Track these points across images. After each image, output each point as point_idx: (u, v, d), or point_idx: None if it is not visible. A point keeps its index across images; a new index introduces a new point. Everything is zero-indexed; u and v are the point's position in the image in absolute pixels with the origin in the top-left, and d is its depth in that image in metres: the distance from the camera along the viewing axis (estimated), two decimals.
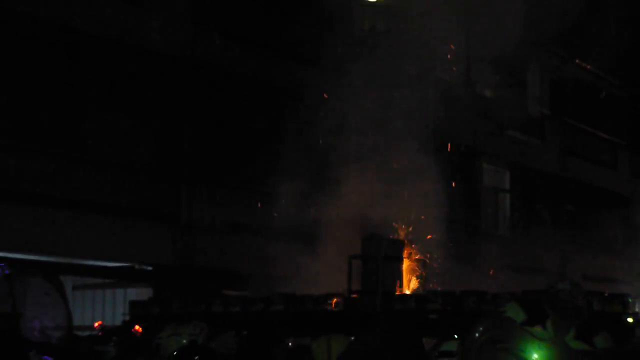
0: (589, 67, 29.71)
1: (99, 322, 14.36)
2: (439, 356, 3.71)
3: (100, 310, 17.87)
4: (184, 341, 5.72)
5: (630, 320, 10.26)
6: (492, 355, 2.29)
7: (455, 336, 5.82)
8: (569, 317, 2.30)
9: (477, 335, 2.37)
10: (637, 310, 15.12)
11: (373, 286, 11.27)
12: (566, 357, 2.20)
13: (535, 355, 2.20)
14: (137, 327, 11.64)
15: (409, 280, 12.49)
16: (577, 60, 29.12)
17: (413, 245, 13.20)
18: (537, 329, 2.26)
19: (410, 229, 14.52)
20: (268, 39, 19.52)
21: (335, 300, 9.78)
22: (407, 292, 11.32)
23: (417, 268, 13.28)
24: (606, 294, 11.24)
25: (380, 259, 12.06)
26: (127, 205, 16.85)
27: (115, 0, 16.96)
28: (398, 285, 11.78)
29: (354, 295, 10.68)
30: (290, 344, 5.46)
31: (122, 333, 9.05)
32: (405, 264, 12.68)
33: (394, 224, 14.29)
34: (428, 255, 13.31)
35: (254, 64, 19.20)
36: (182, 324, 6.25)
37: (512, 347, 2.25)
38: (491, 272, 20.45)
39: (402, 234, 13.84)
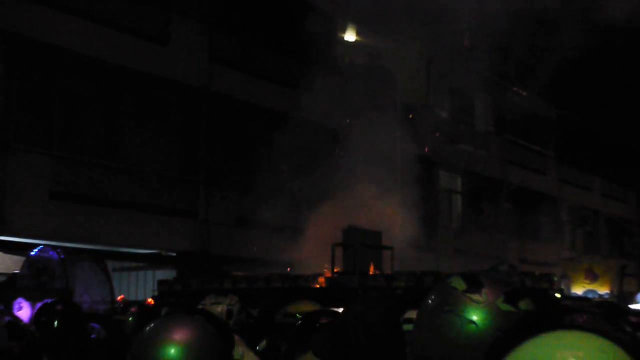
0: (524, 93, 29.79)
1: (121, 296, 14.26)
2: (403, 322, 3.64)
3: (135, 288, 17.81)
4: (224, 308, 5.67)
5: (557, 295, 10.31)
6: (440, 317, 2.30)
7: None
8: (499, 286, 2.31)
9: (430, 302, 2.39)
10: (562, 287, 15.11)
11: (351, 268, 11.24)
12: (496, 316, 2.19)
13: (474, 316, 2.21)
14: (149, 300, 11.58)
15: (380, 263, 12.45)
16: (514, 89, 29.21)
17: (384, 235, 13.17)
18: (475, 296, 2.28)
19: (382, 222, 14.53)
20: (269, 73, 19.48)
21: (321, 279, 9.76)
22: (378, 272, 11.26)
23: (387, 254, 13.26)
24: (536, 274, 11.29)
25: (357, 246, 12.02)
26: (156, 204, 16.81)
27: (149, 42, 16.91)
28: (372, 267, 11.75)
29: (336, 275, 10.66)
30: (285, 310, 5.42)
31: (140, 305, 8.96)
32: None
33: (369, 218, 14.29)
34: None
35: (257, 92, 19.16)
36: (221, 295, 6.18)
37: (455, 309, 2.26)
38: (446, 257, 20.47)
39: (375, 227, 13.82)
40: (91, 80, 16.41)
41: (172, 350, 2.34)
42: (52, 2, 15.16)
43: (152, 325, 2.47)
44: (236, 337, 3.92)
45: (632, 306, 15.06)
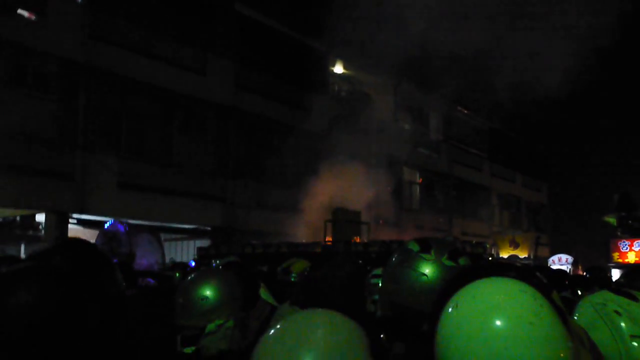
0: (465, 111, 29.89)
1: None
2: (371, 278, 3.61)
3: (180, 254, 17.83)
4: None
5: (490, 258, 10.41)
6: (400, 271, 2.30)
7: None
8: (444, 247, 2.31)
9: (393, 260, 2.39)
10: (492, 252, 15.07)
11: (339, 238, 11.24)
12: (442, 270, 2.20)
13: (426, 269, 2.22)
14: (190, 261, 11.58)
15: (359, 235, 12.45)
16: (458, 107, 29.27)
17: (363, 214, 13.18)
18: (426, 255, 2.28)
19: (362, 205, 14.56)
20: (280, 96, 19.47)
21: (319, 248, 9.76)
22: (358, 241, 11.25)
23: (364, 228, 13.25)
24: (473, 242, 11.33)
25: (342, 222, 12.00)
26: (196, 192, 16.86)
27: (191, 73, 16.91)
28: (354, 237, 11.74)
29: (328, 243, 10.66)
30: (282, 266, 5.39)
31: (184, 265, 8.95)
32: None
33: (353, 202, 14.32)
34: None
35: (271, 110, 19.17)
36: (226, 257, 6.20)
37: (412, 265, 2.26)
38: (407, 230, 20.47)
39: (356, 208, 13.85)
40: (149, 100, 16.39)
41: (208, 290, 2.36)
42: (122, 43, 15.13)
43: (192, 275, 2.53)
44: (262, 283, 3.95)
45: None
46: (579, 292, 4.64)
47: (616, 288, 1.76)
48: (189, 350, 2.32)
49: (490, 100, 26.13)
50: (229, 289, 2.42)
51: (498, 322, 1.18)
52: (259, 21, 19.30)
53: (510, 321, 1.18)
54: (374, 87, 23.84)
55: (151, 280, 7.66)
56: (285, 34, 20.12)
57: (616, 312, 1.66)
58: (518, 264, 1.47)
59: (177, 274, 7.43)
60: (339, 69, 23.24)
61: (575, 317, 1.69)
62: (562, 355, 1.16)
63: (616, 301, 1.69)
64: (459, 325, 1.23)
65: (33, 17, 13.81)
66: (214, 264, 5.62)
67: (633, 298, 1.68)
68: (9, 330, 1.44)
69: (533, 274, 1.33)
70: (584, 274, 9.35)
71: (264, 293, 3.85)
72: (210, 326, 2.29)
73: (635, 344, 1.60)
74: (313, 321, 1.33)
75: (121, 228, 14.10)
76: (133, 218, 14.49)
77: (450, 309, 1.27)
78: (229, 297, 2.38)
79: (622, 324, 1.63)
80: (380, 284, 2.78)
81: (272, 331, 1.29)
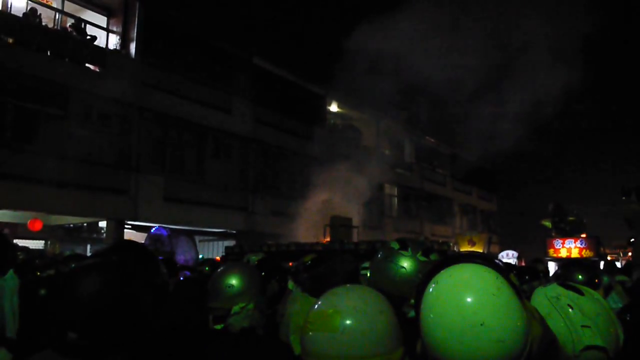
0: (432, 140, 29.92)
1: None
2: (361, 269, 3.59)
3: (211, 252, 17.73)
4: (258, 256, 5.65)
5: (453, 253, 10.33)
6: (384, 265, 2.29)
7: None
8: (418, 246, 2.31)
9: (378, 256, 2.37)
10: (454, 249, 14.95)
11: (334, 239, 11.15)
12: (417, 264, 2.20)
13: (404, 264, 2.22)
14: (217, 258, 11.47)
15: (351, 236, 12.38)
16: (427, 137, 29.30)
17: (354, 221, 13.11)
18: (404, 252, 2.28)
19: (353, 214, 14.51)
20: (289, 129, 19.51)
21: (320, 247, 9.69)
22: (350, 241, 11.17)
23: (355, 231, 13.19)
24: (440, 241, 11.25)
25: (338, 226, 11.94)
26: (224, 203, 16.80)
27: (220, 111, 16.94)
28: (348, 239, 11.67)
29: (326, 243, 10.60)
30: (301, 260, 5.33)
31: (213, 261, 8.85)
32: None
33: (345, 210, 14.28)
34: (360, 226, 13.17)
35: (282, 140, 19.22)
36: (254, 253, 6.14)
37: (393, 260, 2.26)
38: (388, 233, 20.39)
39: (348, 215, 13.81)
40: (187, 133, 16.37)
41: (233, 280, 2.35)
42: (165, 88, 15.21)
43: (221, 268, 2.49)
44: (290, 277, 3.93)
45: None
46: (527, 278, 4.65)
47: (564, 283, 1.74)
48: (218, 327, 2.33)
49: (452, 131, 26.19)
50: (250, 279, 2.40)
51: (468, 294, 1.20)
52: (272, 71, 19.41)
53: (477, 292, 1.20)
54: (362, 122, 23.94)
55: (188, 273, 7.60)
56: (292, 81, 20.22)
57: (569, 305, 1.64)
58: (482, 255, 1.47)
59: (207, 268, 7.36)
60: (334, 107, 23.32)
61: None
62: (518, 323, 1.18)
63: (568, 295, 1.66)
64: (437, 297, 1.24)
65: (97, 69, 13.89)
66: (245, 259, 5.62)
67: (580, 292, 1.66)
68: (80, 314, 1.45)
69: (494, 261, 1.35)
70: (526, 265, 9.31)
71: (291, 284, 3.85)
72: (235, 308, 2.30)
73: (585, 332, 1.58)
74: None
75: (164, 232, 13.97)
76: (175, 224, 14.43)
77: (430, 288, 1.28)
78: (250, 285, 2.38)
79: (574, 316, 1.61)
80: (367, 275, 2.76)
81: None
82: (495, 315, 1.17)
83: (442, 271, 1.31)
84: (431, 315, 1.23)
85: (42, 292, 3.03)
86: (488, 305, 1.18)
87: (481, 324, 1.16)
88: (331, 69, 15.97)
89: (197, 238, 16.11)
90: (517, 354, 1.17)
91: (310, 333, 1.35)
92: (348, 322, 1.32)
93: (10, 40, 12.28)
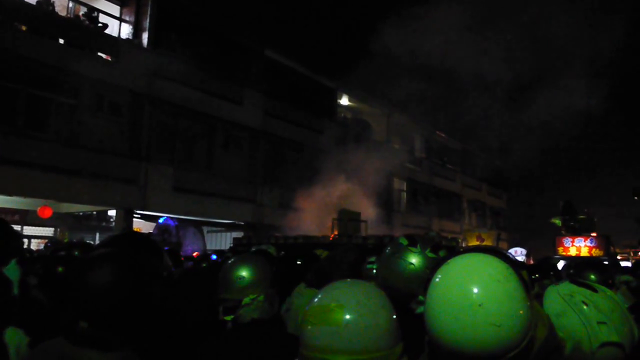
0: (442, 134, 29.79)
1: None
2: (367, 264, 3.58)
3: (219, 243, 17.81)
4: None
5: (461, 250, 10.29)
6: (392, 261, 2.28)
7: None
8: (427, 242, 2.30)
9: (387, 251, 2.36)
10: (463, 246, 14.93)
11: (343, 232, 11.15)
12: (425, 260, 2.19)
13: (413, 260, 2.21)
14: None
15: (359, 230, 12.35)
16: (437, 131, 29.17)
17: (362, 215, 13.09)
18: (413, 248, 2.27)
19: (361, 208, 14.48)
20: (299, 122, 19.49)
21: (328, 240, 9.68)
22: (358, 235, 11.14)
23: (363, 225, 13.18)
24: (449, 237, 11.22)
25: (346, 220, 11.93)
26: (233, 195, 16.83)
27: (231, 103, 16.96)
28: (356, 233, 11.65)
29: (335, 237, 10.58)
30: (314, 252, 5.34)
31: (221, 251, 8.88)
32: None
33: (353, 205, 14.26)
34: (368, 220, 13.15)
35: (292, 133, 19.21)
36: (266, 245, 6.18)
37: (402, 256, 2.25)
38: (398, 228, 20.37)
39: (357, 209, 13.78)
40: (197, 123, 16.40)
41: (244, 272, 2.35)
42: (176, 78, 15.20)
43: (232, 259, 2.51)
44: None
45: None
46: (537, 276, 4.61)
47: (577, 280, 1.72)
48: (228, 318, 2.35)
49: (463, 126, 26.04)
50: (261, 271, 2.41)
51: (473, 276, 1.21)
52: (283, 63, 19.38)
53: (482, 276, 1.21)
54: (372, 116, 23.89)
55: (190, 263, 7.64)
56: (303, 73, 20.18)
57: (583, 302, 1.63)
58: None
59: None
60: (345, 101, 23.28)
61: (545, 305, 1.67)
62: (521, 312, 1.18)
63: (581, 292, 1.65)
64: (443, 279, 1.25)
65: (109, 59, 13.93)
66: (257, 248, 5.66)
67: (594, 290, 1.65)
68: (91, 304, 1.47)
69: (509, 255, 1.35)
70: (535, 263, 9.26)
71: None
72: (246, 299, 2.32)
73: (601, 328, 1.57)
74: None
75: (172, 223, 14.10)
76: (184, 215, 14.50)
77: (439, 275, 1.28)
78: (261, 277, 2.39)
79: (590, 313, 1.60)
80: (375, 271, 2.75)
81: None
82: (496, 299, 1.17)
83: (450, 260, 1.32)
84: (434, 294, 1.24)
85: (60, 269, 3.09)
86: (490, 288, 1.19)
87: (479, 305, 1.16)
88: (343, 62, 15.94)
89: (205, 229, 16.21)
90: (512, 343, 1.16)
91: (310, 327, 1.34)
92: (351, 316, 1.31)
93: (24, 28, 12.33)
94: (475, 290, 1.18)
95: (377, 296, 1.39)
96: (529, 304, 1.21)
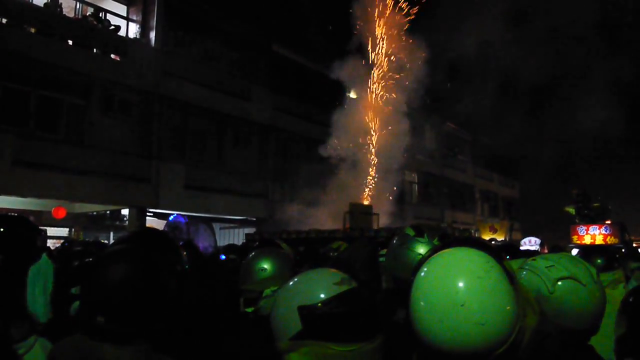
0: (453, 126, 29.59)
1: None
2: (380, 257, 3.62)
3: (231, 239, 17.87)
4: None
5: None
6: (400, 252, 2.29)
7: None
8: (435, 232, 2.31)
9: (394, 242, 2.38)
10: (476, 236, 14.85)
11: (355, 226, 11.18)
12: (433, 248, 2.19)
13: (420, 250, 2.21)
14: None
15: (371, 223, 12.37)
16: (448, 123, 29.01)
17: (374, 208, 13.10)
18: (420, 238, 2.28)
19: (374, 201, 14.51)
20: (308, 116, 19.45)
21: (340, 234, 9.70)
22: (370, 228, 11.16)
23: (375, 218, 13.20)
24: (461, 229, 11.20)
25: (358, 214, 11.96)
26: (244, 191, 16.90)
27: (240, 99, 17.02)
28: (368, 226, 11.66)
29: (347, 230, 10.61)
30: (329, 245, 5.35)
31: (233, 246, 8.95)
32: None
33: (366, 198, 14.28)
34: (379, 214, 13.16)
35: (300, 128, 19.20)
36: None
37: (409, 247, 2.26)
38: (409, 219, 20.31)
39: (368, 203, 13.81)
40: (207, 121, 16.50)
41: (266, 264, 2.41)
42: (185, 76, 15.27)
43: (254, 252, 2.58)
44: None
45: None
46: None
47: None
48: (249, 309, 2.37)
49: (474, 116, 25.91)
50: (282, 263, 2.45)
51: (454, 275, 1.20)
52: (291, 58, 19.37)
53: (463, 274, 1.19)
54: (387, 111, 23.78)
55: None
56: (311, 68, 20.12)
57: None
58: (479, 239, 1.47)
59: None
60: (353, 94, 23.19)
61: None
62: (503, 307, 1.16)
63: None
64: (425, 278, 1.25)
65: (118, 58, 14.04)
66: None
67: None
68: (109, 298, 1.50)
69: (488, 244, 1.33)
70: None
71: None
72: (267, 291, 2.33)
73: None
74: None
75: (182, 220, 14.17)
76: (196, 212, 14.56)
77: (422, 272, 1.28)
78: (282, 269, 2.42)
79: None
80: (384, 262, 2.79)
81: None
82: (477, 298, 1.15)
83: (434, 255, 1.32)
84: (417, 295, 1.24)
85: (75, 263, 3.18)
86: (471, 287, 1.17)
87: (461, 305, 1.15)
88: (349, 54, 15.90)
89: (217, 226, 16.28)
90: (498, 340, 1.14)
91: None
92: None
93: (33, 30, 12.47)
94: (457, 289, 1.17)
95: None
96: (514, 294, 1.19)
